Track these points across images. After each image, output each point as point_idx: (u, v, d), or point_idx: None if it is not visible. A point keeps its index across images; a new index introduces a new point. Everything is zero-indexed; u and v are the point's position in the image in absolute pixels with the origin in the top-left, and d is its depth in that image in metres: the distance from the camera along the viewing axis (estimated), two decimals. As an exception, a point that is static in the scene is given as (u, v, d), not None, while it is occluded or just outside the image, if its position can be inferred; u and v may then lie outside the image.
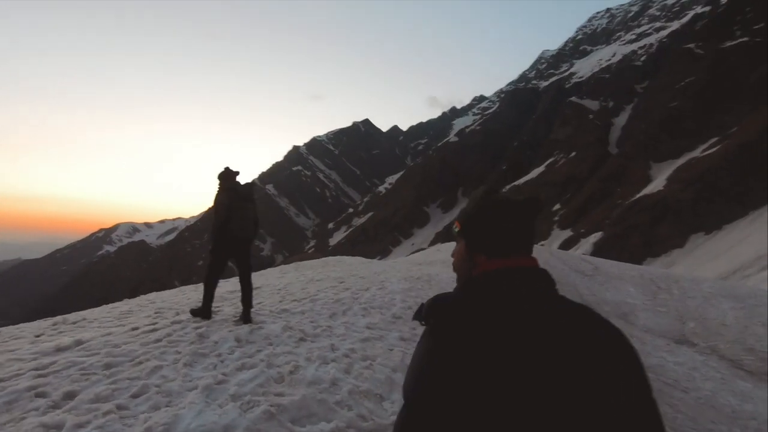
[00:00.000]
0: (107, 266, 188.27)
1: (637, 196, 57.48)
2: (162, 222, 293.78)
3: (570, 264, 12.38)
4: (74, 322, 4.24)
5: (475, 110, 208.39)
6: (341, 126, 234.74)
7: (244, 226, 4.63)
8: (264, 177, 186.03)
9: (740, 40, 75.80)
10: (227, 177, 4.73)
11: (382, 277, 7.65)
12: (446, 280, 8.09)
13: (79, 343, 3.28)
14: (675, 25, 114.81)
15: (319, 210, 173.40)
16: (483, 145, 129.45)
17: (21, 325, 4.71)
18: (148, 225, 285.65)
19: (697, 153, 58.73)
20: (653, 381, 5.85)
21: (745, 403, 5.74)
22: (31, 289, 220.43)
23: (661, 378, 5.95)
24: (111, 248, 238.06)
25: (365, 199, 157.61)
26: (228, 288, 6.80)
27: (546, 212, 75.27)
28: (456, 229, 1.02)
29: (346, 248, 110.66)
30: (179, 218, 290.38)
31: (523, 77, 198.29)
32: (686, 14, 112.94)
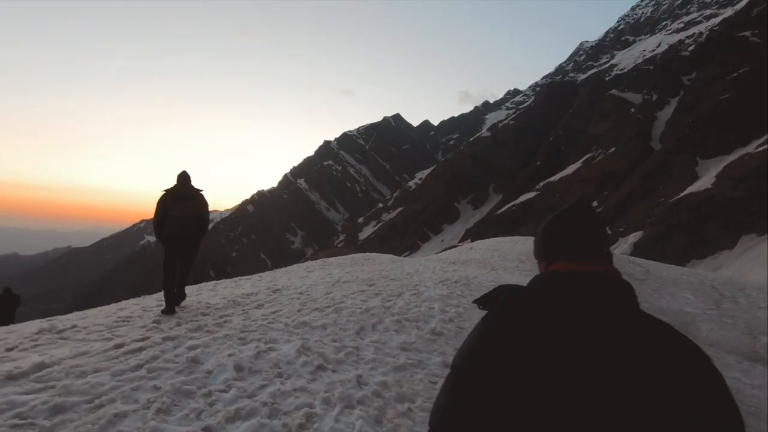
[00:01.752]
0: (149, 255, 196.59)
1: (682, 194, 53.97)
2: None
3: (617, 266, 11.06)
4: (60, 331, 3.63)
5: (508, 104, 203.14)
6: (372, 121, 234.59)
7: (179, 225, 4.94)
8: (295, 171, 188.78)
9: (802, 26, 69.83)
10: (179, 179, 5.17)
11: (415, 280, 6.77)
12: (486, 284, 7.15)
13: (40, 367, 2.62)
14: (728, 11, 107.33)
15: (349, 204, 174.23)
16: (516, 141, 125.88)
17: (16, 326, 4.20)
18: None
19: (750, 149, 54.56)
20: (742, 411, 4.76)
21: None
22: (80, 274, 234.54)
23: (749, 410, 4.94)
24: (152, 238, 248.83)
25: (395, 194, 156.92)
26: (245, 290, 6.11)
27: (582, 210, 71.74)
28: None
29: (375, 243, 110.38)
30: (215, 211, 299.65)
31: (560, 70, 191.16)
32: (741, 0, 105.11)
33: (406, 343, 3.73)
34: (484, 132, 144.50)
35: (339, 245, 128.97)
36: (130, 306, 5.20)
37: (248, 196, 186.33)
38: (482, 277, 7.91)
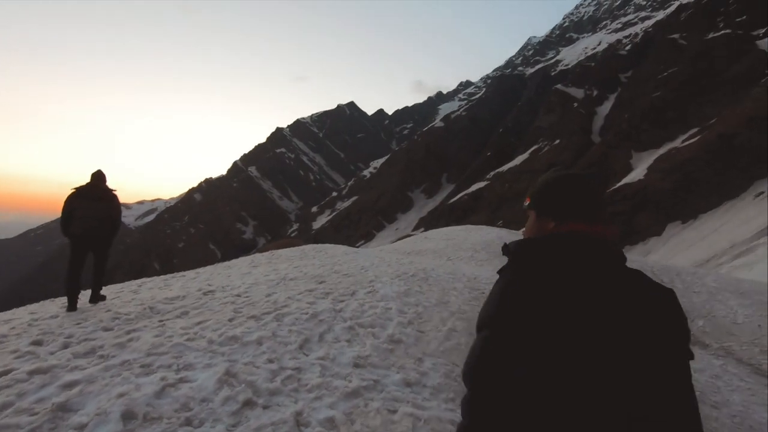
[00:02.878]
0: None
1: (619, 184, 57.53)
2: (140, 203, 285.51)
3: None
4: None
5: (461, 96, 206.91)
6: (326, 108, 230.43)
7: (86, 226, 4.85)
8: (246, 159, 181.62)
9: (723, 32, 76.06)
10: (92, 178, 5.05)
11: (370, 275, 6.16)
12: (444, 276, 6.69)
13: None
14: (660, 15, 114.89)
15: (303, 193, 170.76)
16: (468, 131, 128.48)
17: None
18: (125, 206, 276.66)
19: (677, 143, 58.99)
20: None
21: None
22: (3, 269, 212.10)
23: (698, 397, 4.80)
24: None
25: (349, 183, 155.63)
26: (173, 291, 5.19)
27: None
28: (526, 203, 1.17)
29: (330, 232, 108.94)
30: (158, 199, 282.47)
31: (510, 63, 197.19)
32: (671, 4, 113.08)
33: (360, 358, 3.11)
34: (438, 122, 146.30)
35: (292, 235, 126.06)
36: (19, 316, 4.18)
37: (195, 184, 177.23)
38: (439, 269, 7.48)
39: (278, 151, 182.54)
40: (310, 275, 5.91)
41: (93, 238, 4.89)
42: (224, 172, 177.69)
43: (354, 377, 2.76)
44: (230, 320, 3.70)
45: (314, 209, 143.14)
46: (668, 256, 42.06)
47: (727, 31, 75.13)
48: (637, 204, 51.51)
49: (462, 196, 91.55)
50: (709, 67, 68.07)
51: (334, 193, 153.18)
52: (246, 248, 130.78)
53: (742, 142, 48.79)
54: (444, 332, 3.99)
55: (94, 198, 4.96)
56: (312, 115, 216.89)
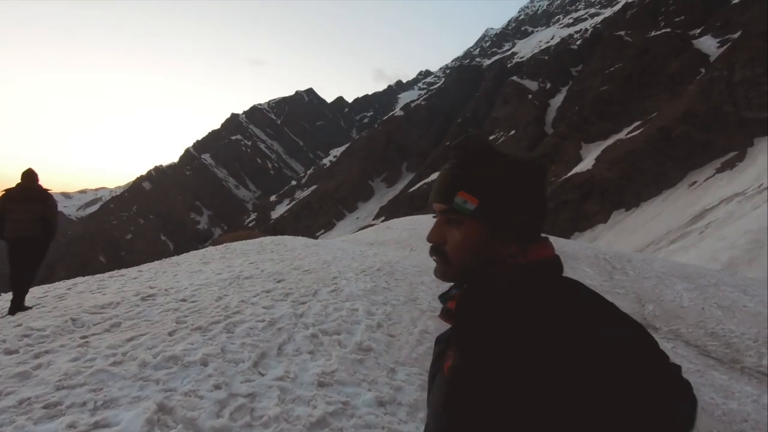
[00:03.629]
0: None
1: (569, 174, 60.22)
2: (83, 192, 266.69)
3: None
4: None
5: (420, 85, 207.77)
6: (284, 94, 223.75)
7: (20, 228, 4.68)
8: (199, 146, 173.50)
9: (663, 30, 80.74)
10: (23, 177, 4.86)
11: (334, 271, 5.71)
12: (410, 270, 6.36)
13: None
14: (608, 12, 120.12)
15: (261, 182, 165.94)
16: (428, 121, 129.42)
17: None
18: (66, 195, 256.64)
19: (622, 135, 62.41)
20: None
21: (729, 401, 5.29)
22: None
23: None
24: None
25: (309, 172, 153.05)
26: (106, 296, 4.51)
27: (486, 189, 77.02)
28: (470, 206, 0.68)
29: (289, 222, 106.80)
30: (103, 188, 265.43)
31: (468, 54, 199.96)
32: (618, 2, 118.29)
33: (326, 374, 2.66)
34: (398, 111, 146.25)
35: (250, 225, 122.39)
36: None
37: (144, 172, 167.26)
38: (405, 262, 7.16)
39: (234, 138, 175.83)
40: (268, 273, 5.37)
41: (27, 241, 4.72)
42: (176, 160, 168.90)
43: (319, 400, 2.33)
44: (171, 334, 3.08)
45: (273, 198, 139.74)
46: (614, 242, 44.69)
47: (667, 30, 79.81)
48: (585, 193, 54.22)
49: (422, 185, 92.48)
50: (651, 64, 72.16)
51: (293, 182, 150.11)
52: (201, 239, 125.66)
53: (678, 135, 52.31)
54: (416, 335, 3.68)
55: (26, 199, 4.78)
56: (269, 101, 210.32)
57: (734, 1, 75.53)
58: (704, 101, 53.81)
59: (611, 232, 48.88)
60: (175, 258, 7.74)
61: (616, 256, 12.88)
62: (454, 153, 0.74)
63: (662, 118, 57.67)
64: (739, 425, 4.49)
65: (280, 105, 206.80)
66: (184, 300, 3.92)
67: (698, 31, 75.91)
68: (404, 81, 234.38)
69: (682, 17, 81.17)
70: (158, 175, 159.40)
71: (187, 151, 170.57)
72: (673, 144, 51.98)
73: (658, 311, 9.07)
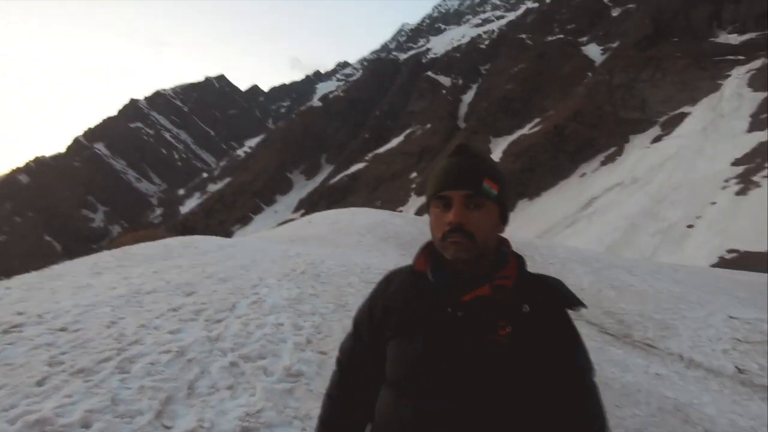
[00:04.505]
0: None
1: (480, 167, 64.29)
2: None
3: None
4: None
5: (339, 76, 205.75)
6: (191, 80, 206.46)
7: None
8: (91, 134, 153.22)
9: (558, 36, 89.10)
10: None
11: (253, 277, 5.21)
12: (338, 272, 6.09)
13: None
14: (512, 15, 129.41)
15: (166, 174, 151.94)
16: (346, 112, 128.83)
17: None
18: None
19: (525, 131, 68.19)
20: None
21: (626, 374, 5.74)
22: None
23: None
24: None
25: (222, 164, 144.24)
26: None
27: (404, 180, 79.25)
28: (494, 191, 0.85)
29: (200, 217, 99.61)
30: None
31: (385, 48, 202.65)
32: (521, 7, 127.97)
33: (249, 416, 2.28)
34: (316, 102, 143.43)
35: (155, 221, 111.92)
36: None
37: (20, 164, 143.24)
38: (330, 261, 6.85)
39: (133, 125, 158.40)
40: (175, 284, 4.66)
41: None
42: (62, 150, 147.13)
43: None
44: (40, 383, 2.29)
45: (181, 192, 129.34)
46: (519, 228, 48.71)
47: (561, 36, 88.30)
48: (494, 184, 58.43)
49: (341, 177, 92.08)
50: (548, 66, 79.47)
51: (205, 174, 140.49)
52: (96, 238, 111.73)
53: (570, 132, 58.57)
54: (347, 347, 3.43)
55: None
56: (175, 87, 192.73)
57: (614, 14, 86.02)
58: (590, 102, 60.81)
59: (517, 220, 53.35)
60: (57, 268, 6.47)
61: (524, 243, 13.88)
62: (464, 149, 0.88)
63: (556, 116, 64.01)
64: (636, 396, 4.96)
65: (188, 91, 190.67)
66: (63, 329, 3.10)
67: (586, 38, 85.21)
68: (322, 71, 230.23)
69: (573, 25, 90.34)
70: (39, 166, 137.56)
71: (76, 140, 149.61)
72: (565, 139, 58.10)
73: (562, 295, 9.92)
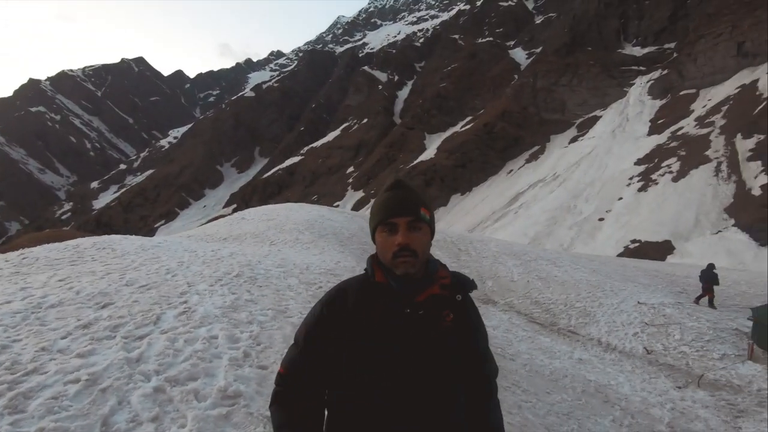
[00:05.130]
0: None
1: (415, 162, 65.83)
2: None
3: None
4: None
5: (272, 66, 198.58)
6: (105, 61, 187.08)
7: None
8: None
9: (488, 39, 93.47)
10: None
11: (181, 282, 4.70)
12: (276, 273, 5.74)
13: None
14: (445, 15, 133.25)
15: (77, 165, 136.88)
16: (281, 104, 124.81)
17: None
18: None
19: (457, 128, 70.89)
20: (495, 356, 5.53)
21: (554, 360, 6.12)
22: None
23: (497, 351, 5.80)
24: None
25: (142, 154, 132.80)
26: None
27: (341, 174, 78.72)
28: (427, 217, 1.09)
29: (118, 212, 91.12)
30: None
31: (321, 39, 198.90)
32: (453, 8, 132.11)
33: None
34: (248, 92, 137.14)
35: (64, 217, 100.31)
36: None
37: None
38: (266, 261, 6.45)
39: (34, 110, 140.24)
40: (87, 294, 4.00)
41: None
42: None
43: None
44: None
45: (95, 185, 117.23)
46: (452, 222, 50.77)
47: (490, 38, 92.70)
48: (428, 179, 60.14)
49: (276, 171, 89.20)
50: (478, 67, 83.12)
51: (122, 166, 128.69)
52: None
53: (498, 131, 61.93)
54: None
55: None
56: (85, 68, 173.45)
57: (537, 21, 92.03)
58: (516, 103, 64.68)
59: (450, 214, 55.50)
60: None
61: (461, 238, 14.31)
62: (401, 184, 1.10)
63: (486, 115, 67.28)
64: (563, 381, 5.27)
65: (101, 74, 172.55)
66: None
67: (512, 42, 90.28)
68: (254, 60, 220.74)
69: (501, 29, 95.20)
70: None
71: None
72: (495, 138, 61.34)
73: (495, 287, 10.37)
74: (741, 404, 5.01)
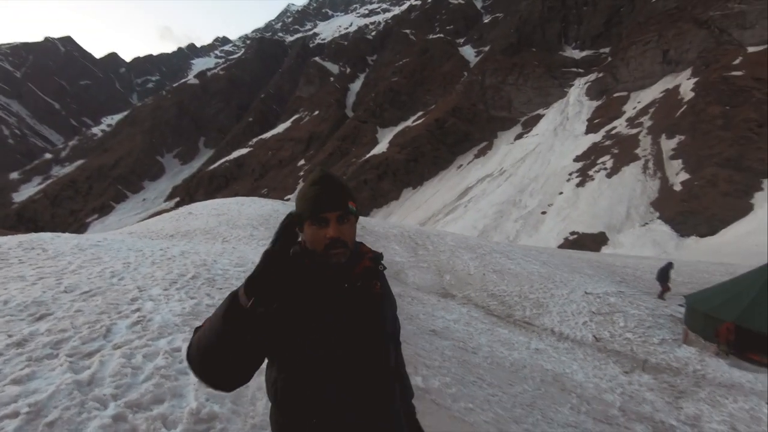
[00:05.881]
0: None
1: (368, 156, 65.79)
2: None
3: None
4: None
5: (218, 52, 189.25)
6: (25, 39, 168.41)
7: None
8: None
9: (439, 35, 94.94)
10: None
11: (131, 287, 4.20)
12: (234, 273, 5.37)
13: None
14: (396, 10, 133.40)
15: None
16: (227, 93, 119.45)
17: None
18: None
19: (409, 123, 71.63)
20: (459, 350, 5.54)
21: (513, 352, 6.28)
22: None
23: (459, 345, 5.68)
24: None
25: (71, 143, 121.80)
26: None
27: (292, 167, 76.95)
28: (354, 209, 1.14)
29: (44, 206, 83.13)
30: None
31: (270, 27, 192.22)
32: (405, 2, 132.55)
33: None
34: (192, 78, 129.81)
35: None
36: None
37: None
38: (223, 260, 6.03)
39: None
40: (17, 304, 3.40)
41: None
42: None
43: None
44: None
45: (15, 175, 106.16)
46: (404, 216, 51.43)
47: (441, 35, 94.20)
48: (381, 173, 60.38)
49: (223, 163, 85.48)
50: (430, 62, 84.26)
51: (48, 155, 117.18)
52: None
53: (449, 126, 63.36)
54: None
55: None
56: (1, 45, 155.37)
57: (486, 20, 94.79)
58: (466, 99, 66.40)
59: (402, 208, 56.13)
60: None
61: (418, 233, 14.42)
62: (328, 177, 1.13)
63: (438, 110, 68.51)
64: (522, 372, 5.44)
65: (20, 52, 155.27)
66: None
67: (462, 40, 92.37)
68: (198, 45, 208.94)
69: (452, 26, 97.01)
70: None
71: None
72: (445, 133, 62.68)
73: (453, 280, 10.55)
74: (680, 385, 5.46)
